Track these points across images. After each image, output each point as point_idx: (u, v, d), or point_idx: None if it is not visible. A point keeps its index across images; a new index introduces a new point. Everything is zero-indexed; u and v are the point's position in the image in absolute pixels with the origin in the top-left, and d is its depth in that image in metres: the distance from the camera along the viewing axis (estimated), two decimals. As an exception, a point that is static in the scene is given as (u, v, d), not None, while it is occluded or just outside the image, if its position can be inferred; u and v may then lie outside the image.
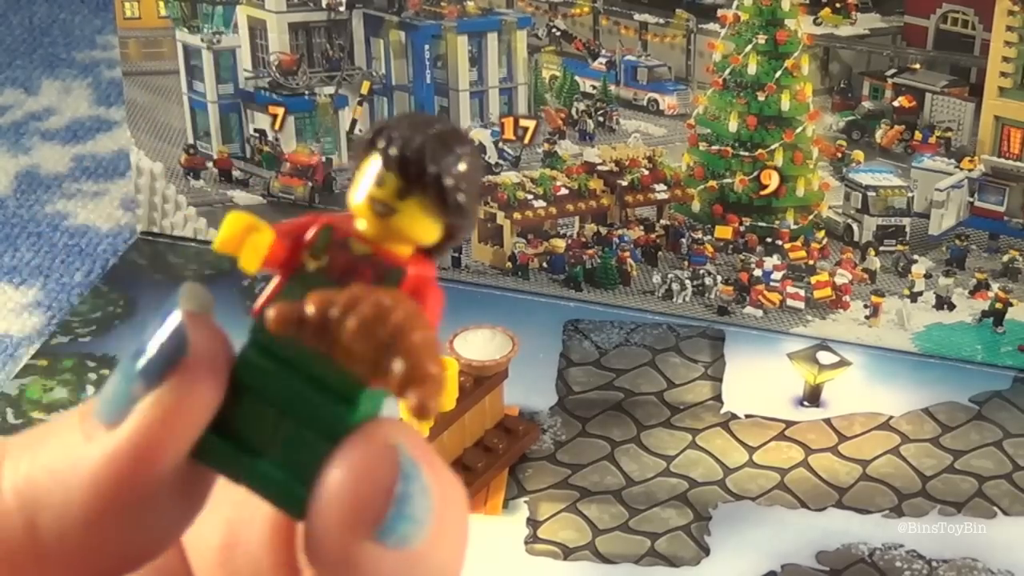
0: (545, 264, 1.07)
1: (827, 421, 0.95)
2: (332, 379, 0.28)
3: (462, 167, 0.29)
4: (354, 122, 1.10)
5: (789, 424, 0.94)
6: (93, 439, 0.28)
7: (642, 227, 1.07)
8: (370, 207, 0.29)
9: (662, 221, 1.07)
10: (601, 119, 1.07)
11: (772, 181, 1.03)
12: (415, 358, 0.27)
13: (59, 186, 1.19)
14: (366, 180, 0.29)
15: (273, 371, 0.28)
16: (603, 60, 1.07)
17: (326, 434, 0.28)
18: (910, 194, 1.02)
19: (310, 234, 0.29)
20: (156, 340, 0.28)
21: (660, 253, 1.06)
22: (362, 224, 0.29)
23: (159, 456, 0.28)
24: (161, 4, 1.08)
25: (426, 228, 0.29)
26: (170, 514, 0.28)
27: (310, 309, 0.28)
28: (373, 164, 0.29)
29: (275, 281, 0.29)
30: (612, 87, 1.07)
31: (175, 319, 0.29)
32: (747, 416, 0.95)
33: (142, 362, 0.28)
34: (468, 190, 0.29)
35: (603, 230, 1.07)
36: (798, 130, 1.03)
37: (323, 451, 0.28)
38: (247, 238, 0.29)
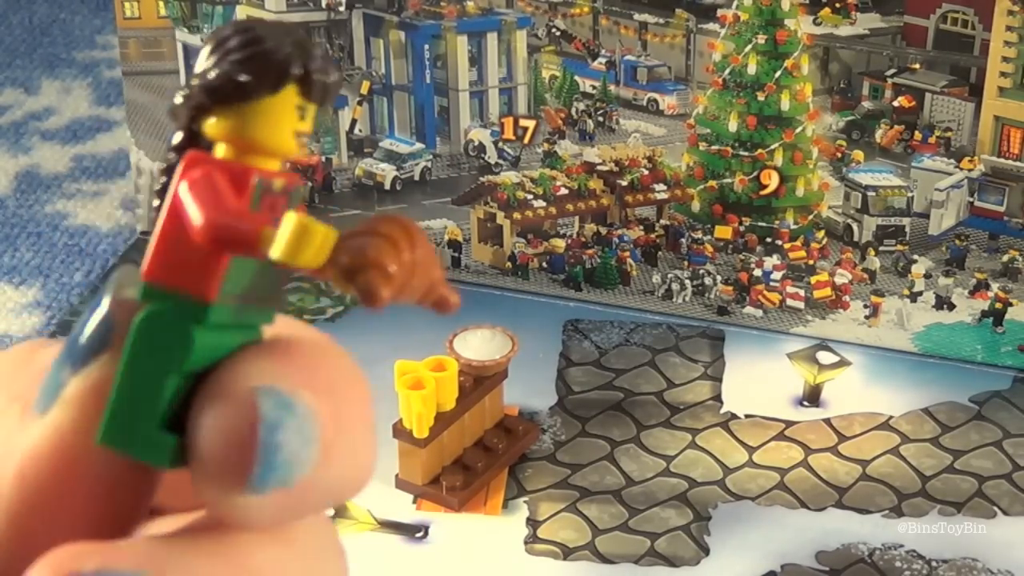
0: (545, 264, 1.07)
1: (827, 421, 0.95)
2: (249, 314, 0.27)
3: (328, 57, 0.28)
4: (354, 122, 1.10)
5: (789, 424, 0.94)
6: (24, 429, 0.27)
7: (642, 227, 1.07)
8: (298, 143, 0.27)
9: (662, 221, 1.07)
10: (601, 119, 1.07)
11: (772, 181, 1.03)
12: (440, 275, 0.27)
13: (59, 186, 1.19)
14: (288, 116, 0.27)
15: (225, 341, 0.27)
16: (603, 60, 1.07)
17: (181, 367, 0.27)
18: (910, 194, 1.02)
19: (248, 192, 0.27)
20: (86, 326, 0.28)
21: (660, 253, 1.06)
22: (252, 158, 0.27)
23: (81, 441, 0.27)
24: (161, 4, 1.08)
25: None
26: (102, 509, 0.27)
27: (389, 262, 0.26)
28: (287, 97, 0.27)
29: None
30: (612, 87, 1.07)
31: (103, 305, 0.28)
32: (747, 416, 0.95)
33: (70, 348, 0.28)
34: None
35: (603, 230, 1.07)
36: (798, 130, 1.03)
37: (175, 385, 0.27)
38: (327, 241, 0.27)
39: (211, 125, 0.27)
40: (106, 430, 0.27)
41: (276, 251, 0.26)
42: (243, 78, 0.26)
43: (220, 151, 0.27)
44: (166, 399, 0.27)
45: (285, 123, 0.27)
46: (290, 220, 0.26)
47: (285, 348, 0.28)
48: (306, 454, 0.26)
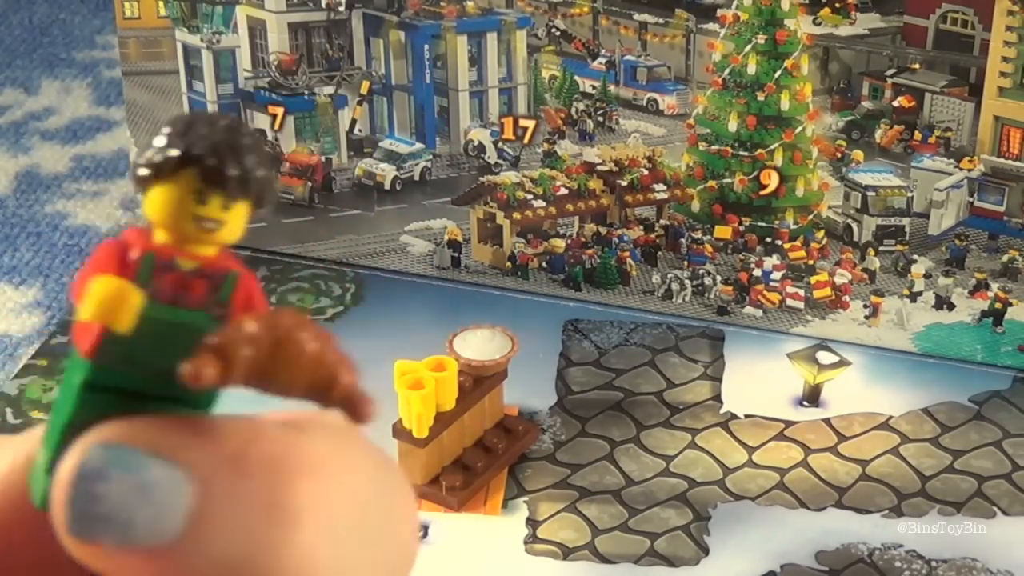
0: (545, 264, 1.07)
1: (826, 421, 0.95)
2: (179, 393, 0.28)
3: (263, 154, 0.29)
4: (354, 122, 1.10)
5: (788, 424, 0.94)
6: None
7: (642, 227, 1.07)
8: (197, 226, 0.28)
9: (662, 221, 1.07)
10: (601, 119, 1.07)
11: (772, 181, 1.03)
12: (340, 376, 0.28)
13: (59, 186, 1.19)
14: (182, 200, 0.28)
15: (119, 403, 0.28)
16: (602, 60, 1.07)
17: None
18: (910, 194, 1.02)
19: (132, 266, 0.28)
20: None
21: (660, 253, 1.06)
22: (170, 239, 0.28)
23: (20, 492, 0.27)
24: (161, 4, 1.08)
25: (244, 226, 0.29)
26: (46, 560, 0.27)
27: (227, 349, 0.27)
28: (184, 182, 0.28)
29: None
30: (612, 87, 1.07)
31: None
32: (747, 416, 0.95)
33: None
34: (272, 176, 0.29)
35: (603, 230, 1.07)
36: (798, 130, 1.03)
37: None
38: (124, 304, 0.28)
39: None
40: (30, 481, 0.28)
41: (80, 311, 0.27)
42: (140, 169, 0.28)
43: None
44: (58, 451, 0.27)
45: (177, 206, 0.28)
46: (93, 283, 0.27)
47: (193, 421, 0.28)
48: (148, 513, 0.26)
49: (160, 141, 0.28)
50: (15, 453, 0.28)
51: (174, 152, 0.28)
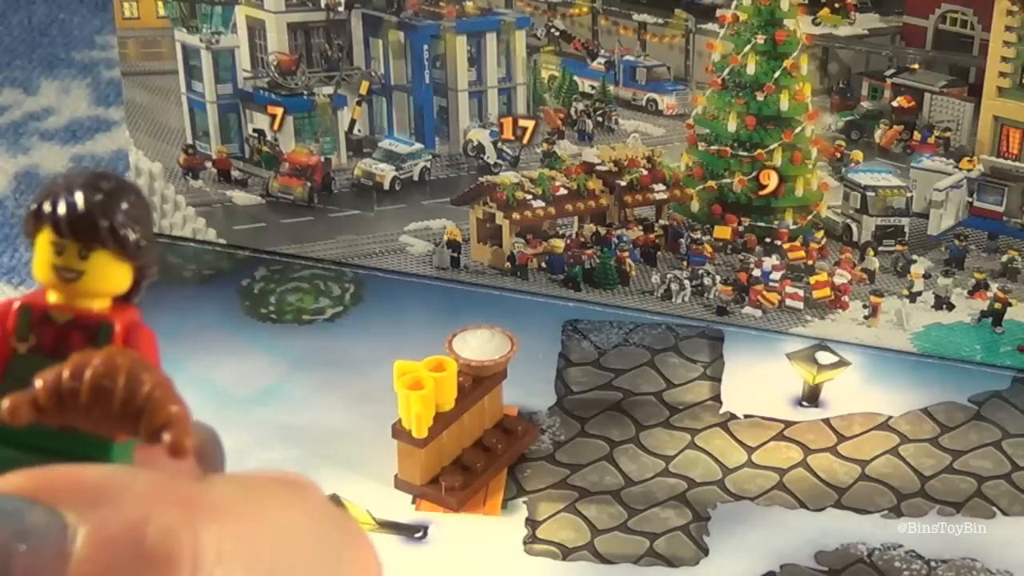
0: (544, 264, 1.07)
1: (826, 421, 0.95)
2: (80, 447, 0.29)
3: (126, 207, 0.30)
4: (353, 122, 1.10)
5: (788, 424, 0.94)
6: None
7: (641, 227, 1.07)
8: (57, 276, 0.30)
9: (661, 221, 1.07)
10: (600, 119, 1.07)
11: (771, 181, 1.03)
12: (153, 404, 0.28)
13: (58, 186, 1.19)
14: (44, 253, 0.30)
15: (17, 458, 0.29)
16: (602, 60, 1.07)
17: None
18: (909, 194, 1.02)
19: (9, 319, 0.30)
20: None
21: (659, 253, 1.06)
22: (54, 295, 0.30)
23: None
24: (160, 4, 1.08)
25: (115, 278, 0.30)
26: None
27: (39, 389, 0.28)
28: (45, 236, 0.30)
29: None
30: (611, 87, 1.07)
31: None
32: (746, 416, 0.95)
33: None
34: (142, 227, 0.30)
35: (602, 230, 1.07)
36: (797, 130, 1.03)
37: None
38: None
39: None
40: None
41: None
42: (22, 231, 0.31)
43: None
44: None
45: (42, 259, 0.30)
46: None
47: (84, 470, 0.28)
48: (27, 559, 0.26)
49: (33, 201, 0.30)
50: None
51: (32, 207, 0.30)
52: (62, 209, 0.29)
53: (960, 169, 1.00)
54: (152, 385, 0.28)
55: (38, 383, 0.28)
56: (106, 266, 0.30)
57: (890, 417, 0.95)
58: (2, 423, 0.29)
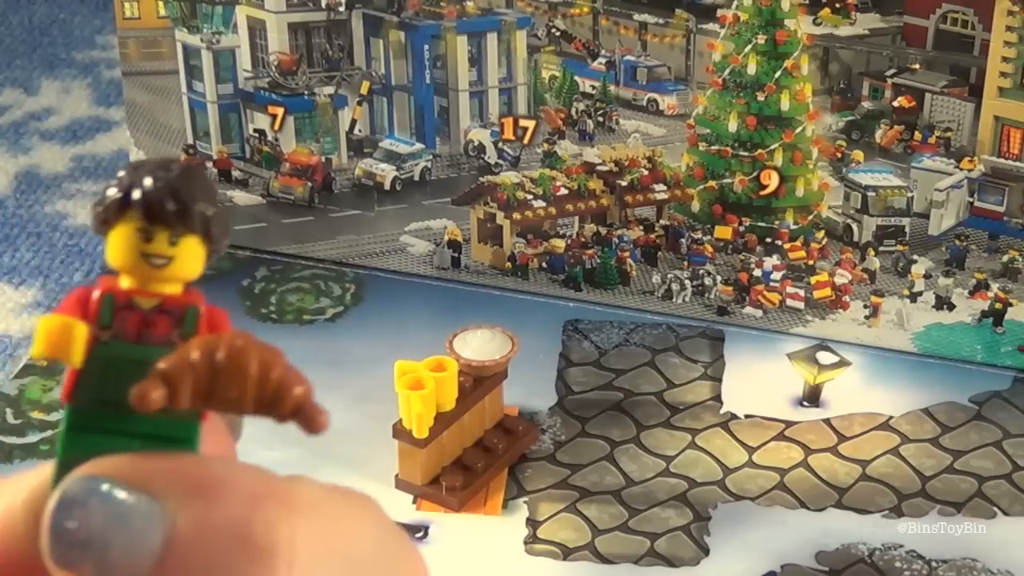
0: (545, 264, 1.07)
1: (827, 421, 0.95)
2: (167, 428, 0.29)
3: (211, 192, 0.30)
4: (353, 122, 1.10)
5: (789, 424, 0.94)
6: None
7: (642, 227, 1.07)
8: (146, 263, 0.30)
9: (662, 221, 1.07)
10: (601, 119, 1.07)
11: (772, 181, 1.03)
12: (286, 386, 0.28)
13: (59, 186, 1.19)
14: (129, 239, 0.30)
15: (109, 443, 0.29)
16: (603, 60, 1.07)
17: None
18: (910, 194, 1.02)
19: (91, 307, 0.30)
20: None
21: (660, 253, 1.06)
22: (130, 280, 0.30)
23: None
24: (161, 4, 1.08)
25: (199, 263, 0.30)
26: None
27: (173, 374, 0.28)
28: (130, 223, 0.30)
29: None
30: (612, 87, 1.07)
31: None
32: (747, 416, 0.95)
33: None
34: (221, 211, 0.30)
35: (603, 230, 1.07)
36: (798, 130, 1.03)
37: None
38: (70, 336, 0.29)
39: None
40: None
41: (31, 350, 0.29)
42: (94, 217, 0.30)
43: None
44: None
45: (125, 246, 0.30)
46: (39, 322, 0.29)
47: (173, 456, 0.29)
48: (124, 540, 0.27)
49: (110, 188, 0.30)
50: (13, 494, 0.29)
51: (117, 196, 0.29)
52: (155, 196, 0.29)
53: (961, 169, 1.00)
54: (282, 367, 0.28)
55: (165, 368, 0.28)
56: (194, 252, 0.30)
57: (891, 417, 0.95)
58: (82, 408, 0.29)
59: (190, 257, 0.30)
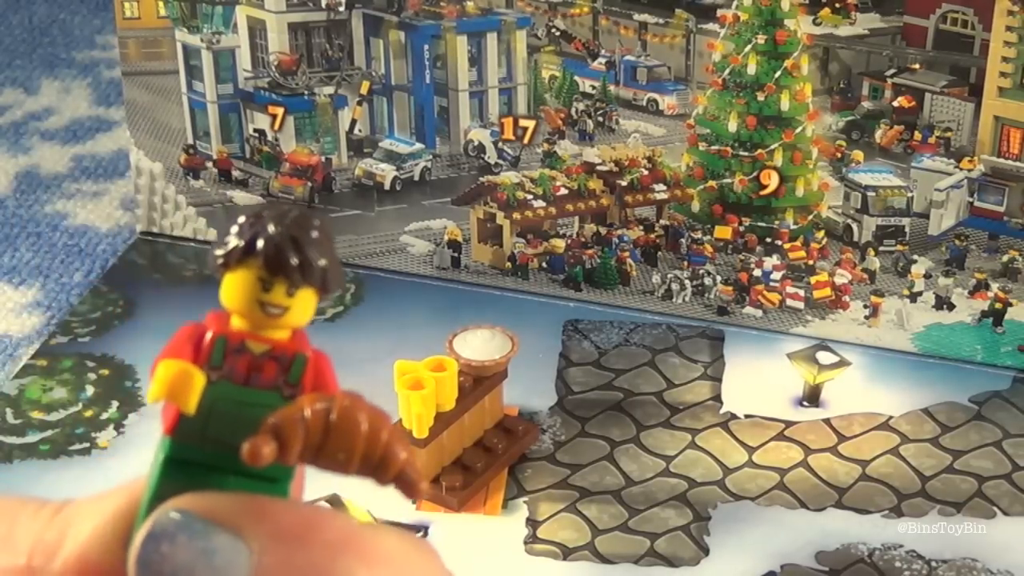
0: (545, 264, 1.07)
1: (827, 421, 0.95)
2: (261, 468, 0.29)
3: (326, 244, 0.31)
4: (353, 122, 1.10)
5: (788, 424, 0.94)
6: None
7: (641, 227, 1.07)
8: (262, 311, 0.30)
9: (661, 221, 1.07)
10: (601, 119, 1.07)
11: (772, 181, 1.03)
12: (392, 451, 0.30)
13: (59, 186, 1.19)
14: (247, 286, 0.30)
15: (203, 478, 0.30)
16: (602, 60, 1.07)
17: None
18: (910, 194, 1.02)
19: (204, 347, 0.31)
20: None
21: (659, 253, 1.06)
22: (242, 323, 0.31)
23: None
24: (161, 4, 1.08)
25: (311, 312, 0.31)
26: None
27: (286, 431, 0.29)
28: (251, 270, 0.30)
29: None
30: (611, 87, 1.07)
31: None
32: (746, 416, 0.95)
33: None
34: (336, 262, 0.31)
35: (602, 230, 1.07)
36: (798, 130, 1.03)
37: None
38: (189, 385, 0.30)
39: None
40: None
41: (148, 393, 0.30)
42: (214, 258, 0.30)
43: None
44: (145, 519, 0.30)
45: (243, 293, 0.30)
46: (160, 366, 0.30)
47: (261, 499, 0.30)
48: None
49: (232, 232, 0.30)
50: (102, 515, 0.30)
51: (239, 243, 0.30)
52: (279, 248, 0.30)
53: (961, 169, 1.00)
54: (389, 432, 0.30)
55: (278, 423, 0.29)
56: (308, 302, 0.31)
57: (890, 417, 0.95)
58: (183, 442, 0.30)
59: (304, 307, 0.31)
